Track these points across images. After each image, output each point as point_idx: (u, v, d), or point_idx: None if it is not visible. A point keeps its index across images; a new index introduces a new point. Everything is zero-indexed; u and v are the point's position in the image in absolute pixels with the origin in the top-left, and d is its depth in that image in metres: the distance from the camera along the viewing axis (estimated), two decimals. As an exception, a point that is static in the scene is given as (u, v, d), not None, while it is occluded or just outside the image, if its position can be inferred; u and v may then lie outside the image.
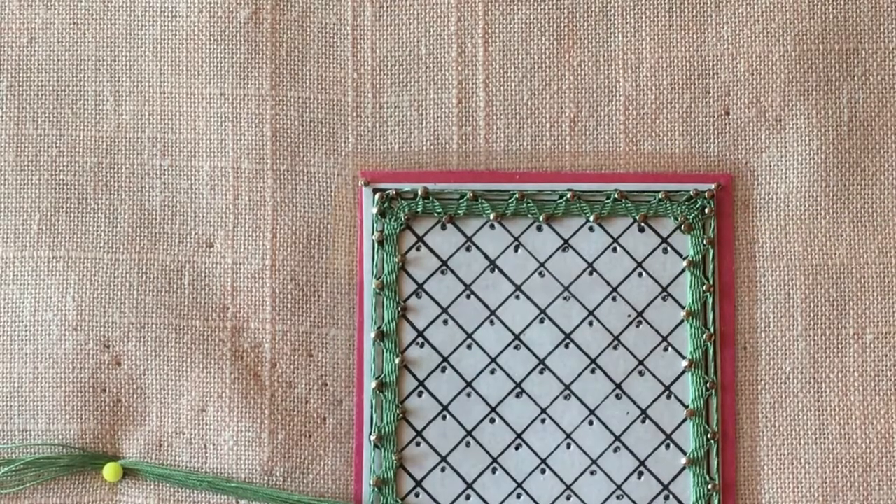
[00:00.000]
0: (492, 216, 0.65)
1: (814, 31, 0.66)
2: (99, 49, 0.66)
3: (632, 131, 0.66)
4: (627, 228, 0.65)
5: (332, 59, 0.66)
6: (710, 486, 0.64)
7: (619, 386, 0.65)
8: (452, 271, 0.65)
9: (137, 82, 0.66)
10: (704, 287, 0.65)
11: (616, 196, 0.65)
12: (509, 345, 0.65)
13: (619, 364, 0.65)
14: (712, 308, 0.65)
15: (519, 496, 0.64)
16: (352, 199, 0.66)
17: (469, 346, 0.65)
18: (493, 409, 0.65)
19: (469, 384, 0.65)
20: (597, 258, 0.65)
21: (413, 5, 0.66)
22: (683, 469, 0.64)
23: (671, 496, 0.64)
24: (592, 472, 0.64)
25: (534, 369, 0.65)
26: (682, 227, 0.65)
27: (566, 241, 0.65)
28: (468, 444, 0.64)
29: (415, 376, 0.65)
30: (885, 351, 0.65)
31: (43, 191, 0.65)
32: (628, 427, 0.64)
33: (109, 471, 0.64)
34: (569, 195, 0.65)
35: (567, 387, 0.65)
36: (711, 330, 0.65)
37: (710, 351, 0.65)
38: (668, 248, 0.65)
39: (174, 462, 0.64)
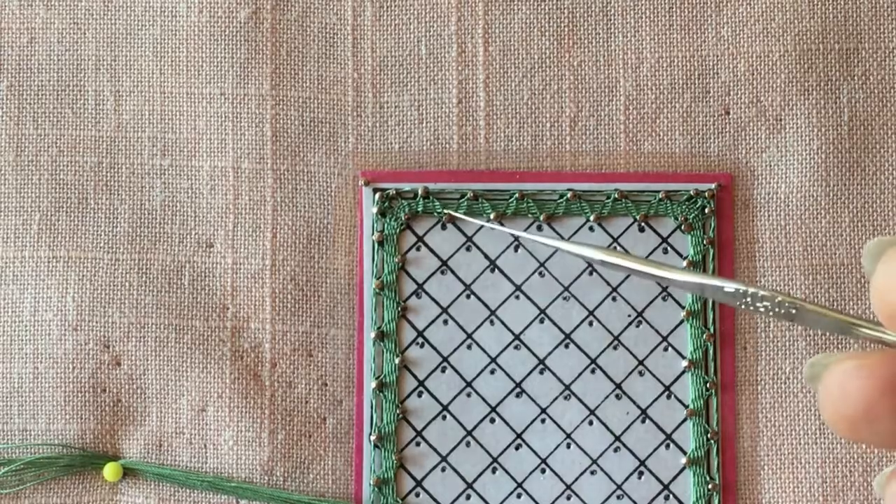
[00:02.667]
0: (492, 216, 0.65)
1: (814, 31, 0.66)
2: (99, 49, 0.66)
3: (632, 131, 0.66)
4: (627, 228, 0.65)
5: (332, 59, 0.66)
6: (710, 486, 0.64)
7: (619, 386, 0.65)
8: (452, 271, 0.65)
9: (137, 82, 0.66)
10: (704, 287, 0.65)
11: (616, 196, 0.65)
12: (509, 345, 0.65)
13: (619, 364, 0.65)
14: (712, 308, 0.65)
15: (519, 496, 0.64)
16: (352, 199, 0.66)
17: (469, 346, 0.65)
18: (493, 409, 0.65)
19: (469, 384, 0.65)
20: (597, 258, 0.65)
21: (413, 5, 0.66)
22: (683, 469, 0.64)
23: (671, 496, 0.64)
24: (592, 472, 0.64)
25: (534, 369, 0.65)
26: (682, 227, 0.65)
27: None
28: (468, 444, 0.64)
29: (415, 376, 0.65)
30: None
31: (43, 191, 0.65)
32: (628, 427, 0.64)
33: (109, 471, 0.64)
34: (569, 195, 0.65)
35: (567, 387, 0.65)
36: (711, 330, 0.65)
37: (710, 351, 0.65)
38: (668, 248, 0.65)
39: (174, 462, 0.64)
